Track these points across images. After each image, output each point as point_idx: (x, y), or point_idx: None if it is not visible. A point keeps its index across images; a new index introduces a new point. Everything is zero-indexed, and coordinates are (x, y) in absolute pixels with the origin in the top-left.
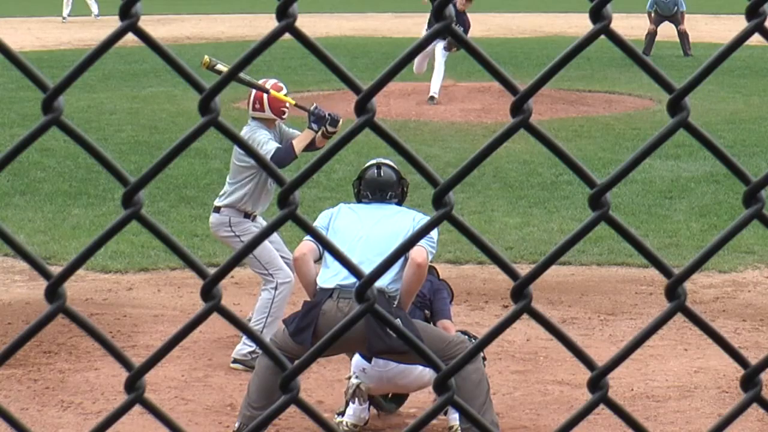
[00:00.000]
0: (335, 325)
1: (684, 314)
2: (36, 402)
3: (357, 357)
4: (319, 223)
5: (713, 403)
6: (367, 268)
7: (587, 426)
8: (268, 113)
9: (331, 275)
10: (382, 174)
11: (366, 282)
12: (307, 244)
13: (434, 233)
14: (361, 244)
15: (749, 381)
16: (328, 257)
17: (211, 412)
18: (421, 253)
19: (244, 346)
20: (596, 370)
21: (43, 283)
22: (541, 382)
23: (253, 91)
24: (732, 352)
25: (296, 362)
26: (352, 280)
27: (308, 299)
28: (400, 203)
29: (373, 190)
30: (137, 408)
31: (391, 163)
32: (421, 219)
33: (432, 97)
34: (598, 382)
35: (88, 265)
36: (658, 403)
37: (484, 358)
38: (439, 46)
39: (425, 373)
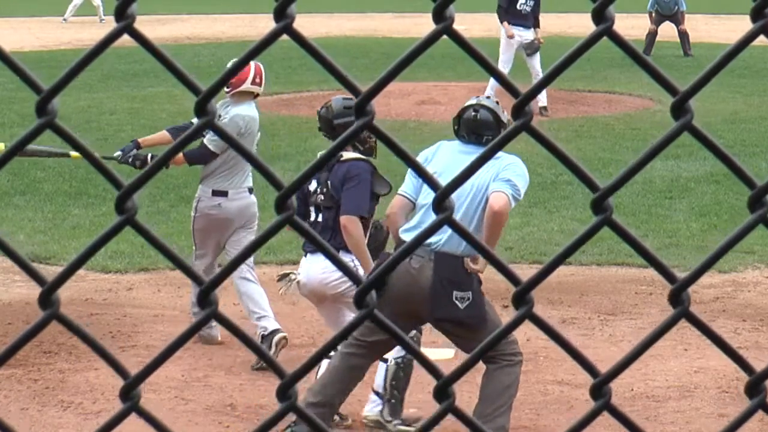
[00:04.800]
0: (405, 279)
1: (688, 320)
2: (36, 402)
3: (304, 261)
4: None
5: (713, 403)
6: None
7: (587, 426)
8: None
9: (411, 229)
10: (478, 116)
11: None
12: (399, 200)
13: (521, 181)
14: None
15: (754, 388)
16: (417, 209)
17: (211, 412)
18: (499, 199)
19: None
20: (599, 377)
21: None
22: (541, 382)
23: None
24: (735, 357)
25: (295, 369)
26: (429, 239)
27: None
28: None
29: (469, 131)
30: None
31: (491, 105)
32: (503, 173)
33: (545, 107)
34: (600, 390)
35: (88, 265)
36: (658, 403)
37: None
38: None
39: (342, 319)
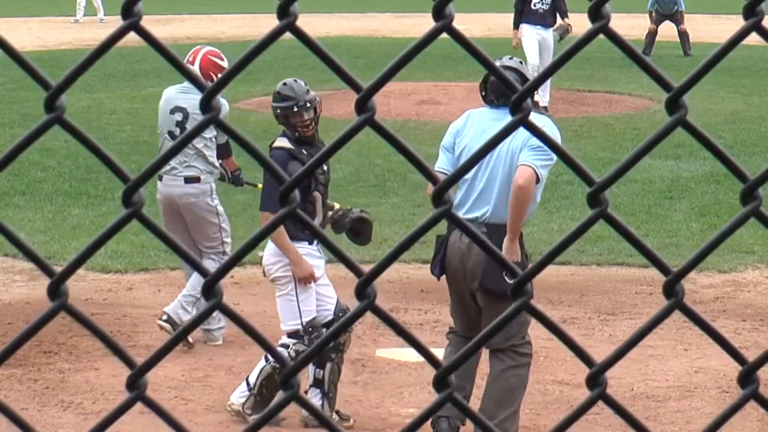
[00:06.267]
0: (458, 255)
1: (682, 311)
2: (36, 402)
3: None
4: (445, 142)
5: (713, 403)
6: (489, 195)
7: (587, 425)
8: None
9: (458, 207)
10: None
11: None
12: (439, 176)
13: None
14: (482, 169)
15: (746, 377)
16: (461, 185)
17: (211, 412)
18: (524, 173)
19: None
20: (595, 366)
21: (43, 283)
22: (541, 382)
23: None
24: (730, 350)
25: (296, 360)
26: (476, 213)
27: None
28: None
29: (497, 94)
30: (137, 407)
31: (515, 65)
32: (532, 140)
33: (545, 108)
34: (596, 379)
35: (88, 265)
36: (658, 403)
37: None
38: (549, 46)
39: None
